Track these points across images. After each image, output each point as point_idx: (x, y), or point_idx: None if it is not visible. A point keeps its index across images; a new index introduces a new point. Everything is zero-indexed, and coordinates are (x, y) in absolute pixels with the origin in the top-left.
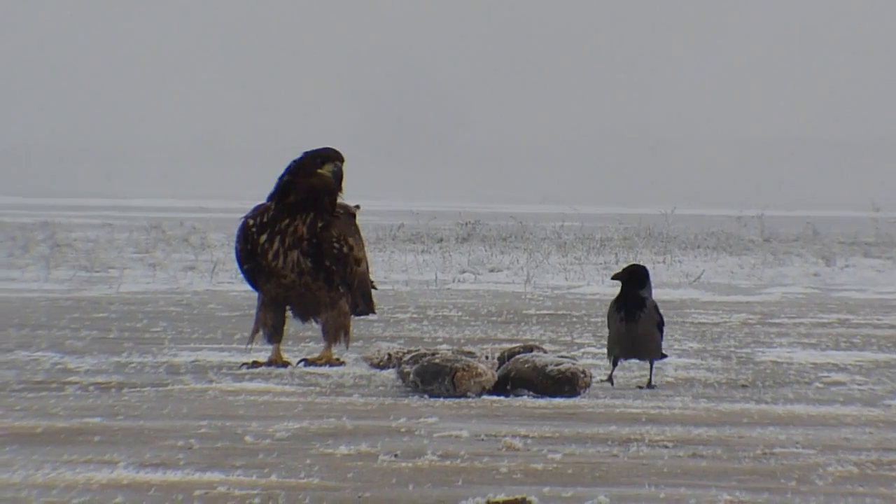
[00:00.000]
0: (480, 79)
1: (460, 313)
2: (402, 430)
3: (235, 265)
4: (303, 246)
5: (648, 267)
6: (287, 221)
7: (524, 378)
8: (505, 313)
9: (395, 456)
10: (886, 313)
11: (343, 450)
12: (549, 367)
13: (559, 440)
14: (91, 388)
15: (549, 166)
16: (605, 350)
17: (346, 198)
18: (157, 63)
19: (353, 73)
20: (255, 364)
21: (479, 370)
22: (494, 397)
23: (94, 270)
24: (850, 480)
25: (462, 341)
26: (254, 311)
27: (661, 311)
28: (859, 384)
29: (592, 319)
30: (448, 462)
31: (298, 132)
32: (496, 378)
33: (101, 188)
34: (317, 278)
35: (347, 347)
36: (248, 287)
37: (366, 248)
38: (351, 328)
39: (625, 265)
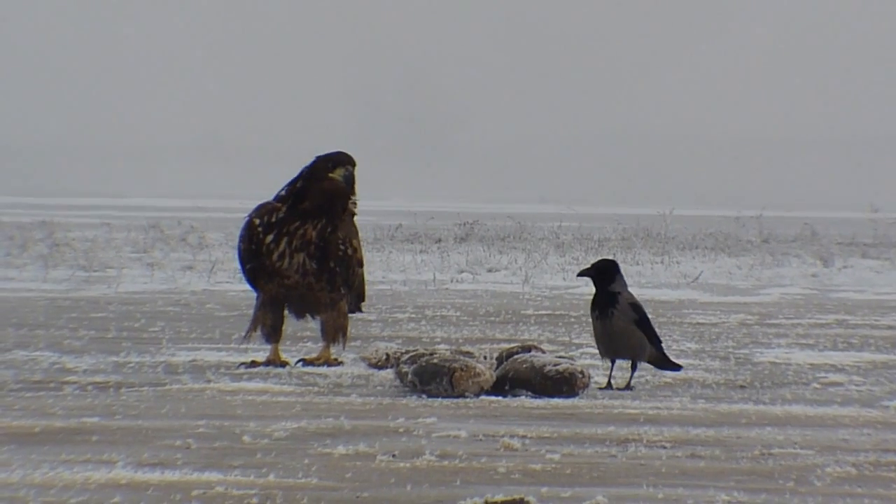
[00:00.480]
0: (479, 79)
1: (458, 313)
2: (401, 430)
3: (237, 264)
4: (310, 249)
5: (647, 267)
6: (297, 224)
7: (522, 378)
8: (503, 313)
9: (394, 456)
10: (884, 314)
11: (341, 450)
12: (548, 368)
13: (557, 440)
14: (89, 387)
15: (548, 166)
16: None
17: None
18: (157, 62)
19: (352, 73)
20: (254, 364)
21: (477, 370)
22: (493, 397)
23: (93, 270)
24: (848, 481)
25: (460, 341)
26: (251, 311)
27: (651, 313)
28: (857, 385)
29: (590, 320)
30: (446, 462)
31: (298, 132)
32: (494, 378)
33: (99, 187)
34: (320, 279)
35: (345, 348)
36: (246, 287)
37: (363, 248)
38: (349, 329)
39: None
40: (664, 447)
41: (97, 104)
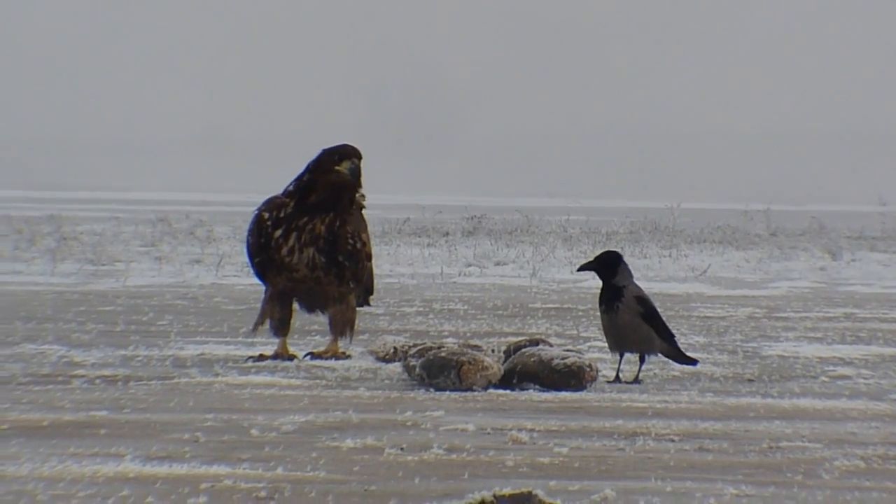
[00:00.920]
0: (486, 73)
1: (466, 307)
2: (408, 423)
3: (245, 257)
4: (319, 244)
5: (655, 261)
6: (306, 220)
7: (530, 372)
8: (511, 307)
9: (401, 449)
10: (892, 307)
11: (349, 443)
12: (555, 361)
13: (565, 434)
14: (97, 381)
15: (555, 160)
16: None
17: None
18: (163, 57)
19: (358, 66)
20: (262, 357)
21: (484, 364)
22: (500, 391)
23: (101, 264)
24: (857, 474)
25: (468, 335)
26: (260, 305)
27: (660, 306)
28: (865, 378)
29: (598, 313)
30: (454, 455)
31: (304, 126)
32: (502, 372)
33: (106, 181)
34: (328, 273)
35: (352, 341)
36: (254, 280)
37: (371, 242)
38: (357, 322)
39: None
40: (672, 440)
41: (104, 98)
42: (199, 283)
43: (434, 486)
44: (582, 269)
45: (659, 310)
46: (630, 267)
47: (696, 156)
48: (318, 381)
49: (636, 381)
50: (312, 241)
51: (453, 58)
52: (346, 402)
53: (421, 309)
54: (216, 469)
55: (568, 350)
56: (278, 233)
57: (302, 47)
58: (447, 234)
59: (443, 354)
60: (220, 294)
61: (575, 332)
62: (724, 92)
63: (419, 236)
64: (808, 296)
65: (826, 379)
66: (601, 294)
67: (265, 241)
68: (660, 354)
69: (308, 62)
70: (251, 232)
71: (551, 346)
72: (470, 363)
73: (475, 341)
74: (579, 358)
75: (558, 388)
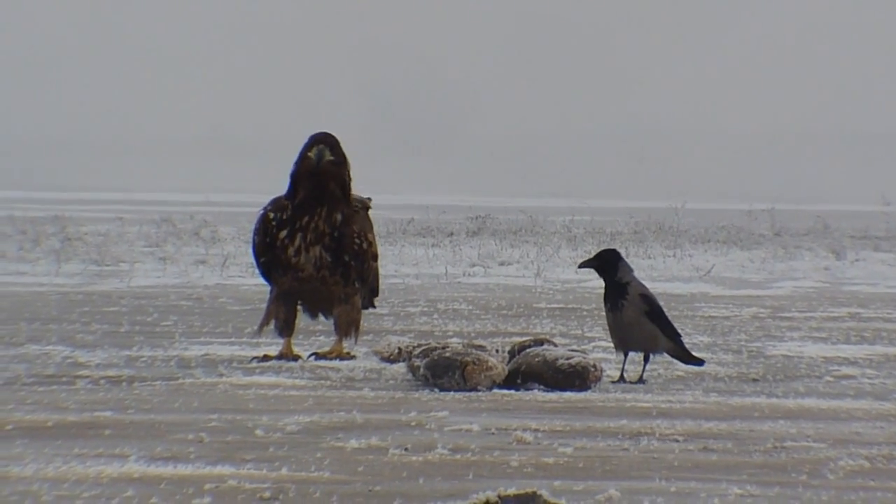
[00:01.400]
0: (490, 73)
1: (471, 307)
2: (413, 423)
3: (251, 257)
4: (325, 241)
5: (660, 261)
6: (307, 218)
7: (535, 372)
8: (515, 307)
9: (406, 450)
10: None
11: (353, 443)
12: (560, 361)
13: (570, 434)
14: (102, 381)
15: (559, 160)
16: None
17: (356, 189)
18: (168, 57)
19: (362, 66)
20: (266, 358)
21: (489, 364)
22: (505, 391)
23: (105, 264)
24: (861, 474)
25: (472, 335)
26: (265, 305)
27: (664, 306)
28: (870, 378)
29: (603, 313)
30: (458, 456)
31: (308, 126)
32: (507, 372)
33: (109, 182)
34: (334, 273)
35: (357, 342)
36: (259, 280)
37: (377, 242)
38: (362, 323)
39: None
40: (677, 440)
41: (107, 98)
42: (203, 284)
43: (438, 487)
44: (583, 265)
45: (664, 310)
46: (630, 264)
47: (700, 156)
48: (322, 381)
49: (640, 381)
50: (318, 239)
51: (457, 57)
52: (350, 402)
53: (425, 309)
54: (220, 469)
55: (572, 350)
56: (283, 233)
57: (306, 48)
58: (451, 234)
59: (447, 355)
60: (225, 294)
61: (579, 332)
62: (728, 92)
63: (423, 236)
64: (812, 295)
65: (831, 379)
66: (605, 292)
67: (270, 240)
68: (665, 354)
69: (312, 63)
70: (257, 231)
71: (556, 346)
72: (474, 363)
73: (479, 341)
74: (584, 358)
75: (563, 389)
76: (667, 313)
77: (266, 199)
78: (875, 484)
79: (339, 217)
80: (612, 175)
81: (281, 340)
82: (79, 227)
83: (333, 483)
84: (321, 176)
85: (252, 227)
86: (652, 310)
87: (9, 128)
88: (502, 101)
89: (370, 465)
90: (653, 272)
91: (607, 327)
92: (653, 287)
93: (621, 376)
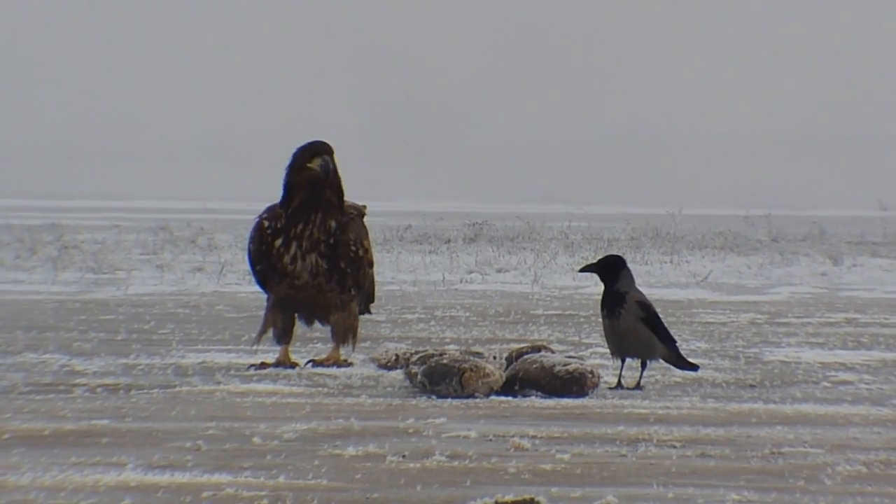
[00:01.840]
0: (487, 79)
1: (468, 314)
2: (410, 430)
3: (247, 265)
4: (320, 248)
5: (657, 267)
6: (301, 226)
7: (532, 378)
8: (512, 314)
9: (404, 457)
10: (894, 312)
11: (351, 451)
12: (557, 368)
13: (567, 440)
14: (99, 390)
15: (556, 166)
16: None
17: (353, 197)
18: (165, 64)
19: (359, 73)
20: (263, 365)
21: (486, 371)
22: (502, 398)
23: (102, 272)
24: (859, 480)
25: (470, 342)
26: (262, 313)
27: (661, 312)
28: (867, 383)
29: (600, 319)
30: (456, 463)
31: (305, 133)
32: (504, 378)
33: (107, 189)
34: (330, 280)
35: (354, 349)
36: (256, 288)
37: (372, 249)
38: (359, 330)
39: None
40: (674, 446)
41: (105, 106)
42: (200, 292)
43: (436, 494)
44: (584, 270)
45: (661, 315)
46: (633, 273)
47: (697, 161)
48: (320, 388)
49: (638, 387)
50: (313, 246)
51: (454, 64)
52: (348, 409)
53: (423, 316)
54: (218, 477)
55: (570, 356)
56: (278, 242)
57: (303, 55)
58: (449, 240)
59: (445, 361)
60: (222, 302)
61: (577, 338)
62: (725, 97)
63: (421, 243)
64: (809, 301)
65: (828, 384)
66: (603, 299)
67: (266, 248)
68: (661, 360)
69: (309, 70)
70: (252, 239)
71: (553, 352)
72: (472, 370)
73: (477, 348)
74: (581, 364)
75: (560, 395)
76: (664, 319)
77: (263, 207)
78: (872, 489)
79: (333, 224)
80: (609, 181)
81: (278, 348)
82: (76, 234)
83: (331, 490)
84: (320, 185)
85: (248, 235)
86: (648, 317)
87: (5, 136)
88: (499, 109)
89: (368, 472)
90: (650, 278)
91: (603, 334)
92: (650, 293)
93: (619, 382)
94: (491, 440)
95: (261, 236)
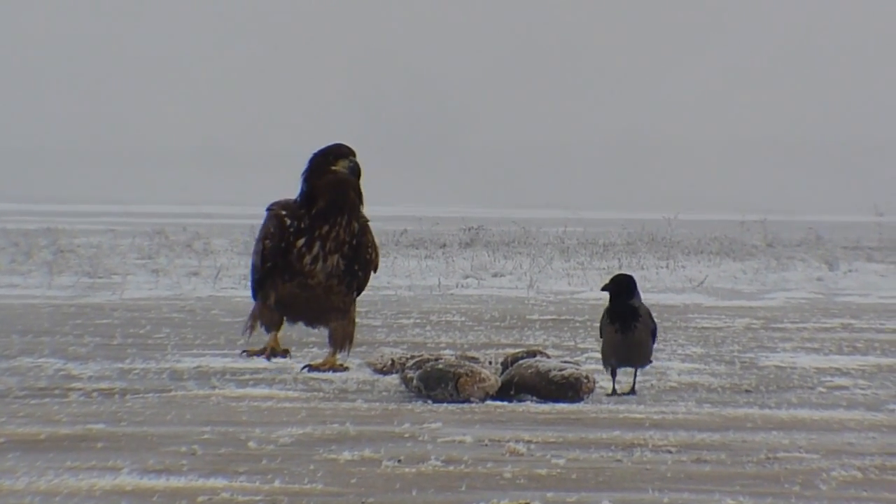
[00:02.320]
0: (483, 84)
1: (463, 318)
2: (406, 435)
3: (250, 262)
4: (343, 249)
5: (652, 272)
6: (327, 228)
7: (527, 383)
8: (508, 318)
9: (399, 461)
10: (889, 318)
11: (346, 455)
12: (553, 373)
13: (563, 445)
14: (94, 394)
15: (552, 171)
16: None
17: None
18: (161, 69)
19: (356, 78)
20: (251, 353)
21: (482, 375)
22: (498, 402)
23: (98, 276)
24: (854, 485)
25: (465, 346)
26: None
27: (656, 317)
28: (862, 389)
29: (596, 324)
30: (451, 467)
31: (302, 138)
32: (499, 383)
33: (102, 194)
34: (342, 282)
35: (350, 354)
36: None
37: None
38: (356, 335)
39: (613, 275)
40: (670, 452)
41: (101, 110)
42: (196, 296)
43: (432, 499)
44: (605, 289)
45: (656, 321)
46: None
47: (693, 166)
48: (315, 393)
49: (632, 391)
50: (337, 247)
51: (450, 69)
52: (343, 414)
53: (418, 321)
54: (213, 482)
55: (565, 361)
56: (300, 242)
57: (301, 60)
58: (444, 245)
59: (440, 366)
60: (218, 307)
61: (572, 343)
62: (722, 103)
63: (416, 248)
64: (805, 306)
65: (823, 389)
66: (611, 312)
67: (286, 246)
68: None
69: (306, 75)
70: (271, 235)
71: (549, 357)
72: (467, 375)
73: (472, 353)
74: (577, 369)
75: (556, 400)
76: (659, 325)
77: (259, 211)
78: (867, 495)
79: (356, 226)
80: (605, 186)
81: (266, 336)
82: (71, 239)
83: (326, 495)
84: (346, 186)
85: (260, 229)
86: (655, 327)
87: (1, 139)
88: (495, 113)
89: (363, 477)
90: (646, 283)
91: (607, 344)
92: (645, 298)
93: (613, 390)
94: (486, 445)
95: (282, 233)
